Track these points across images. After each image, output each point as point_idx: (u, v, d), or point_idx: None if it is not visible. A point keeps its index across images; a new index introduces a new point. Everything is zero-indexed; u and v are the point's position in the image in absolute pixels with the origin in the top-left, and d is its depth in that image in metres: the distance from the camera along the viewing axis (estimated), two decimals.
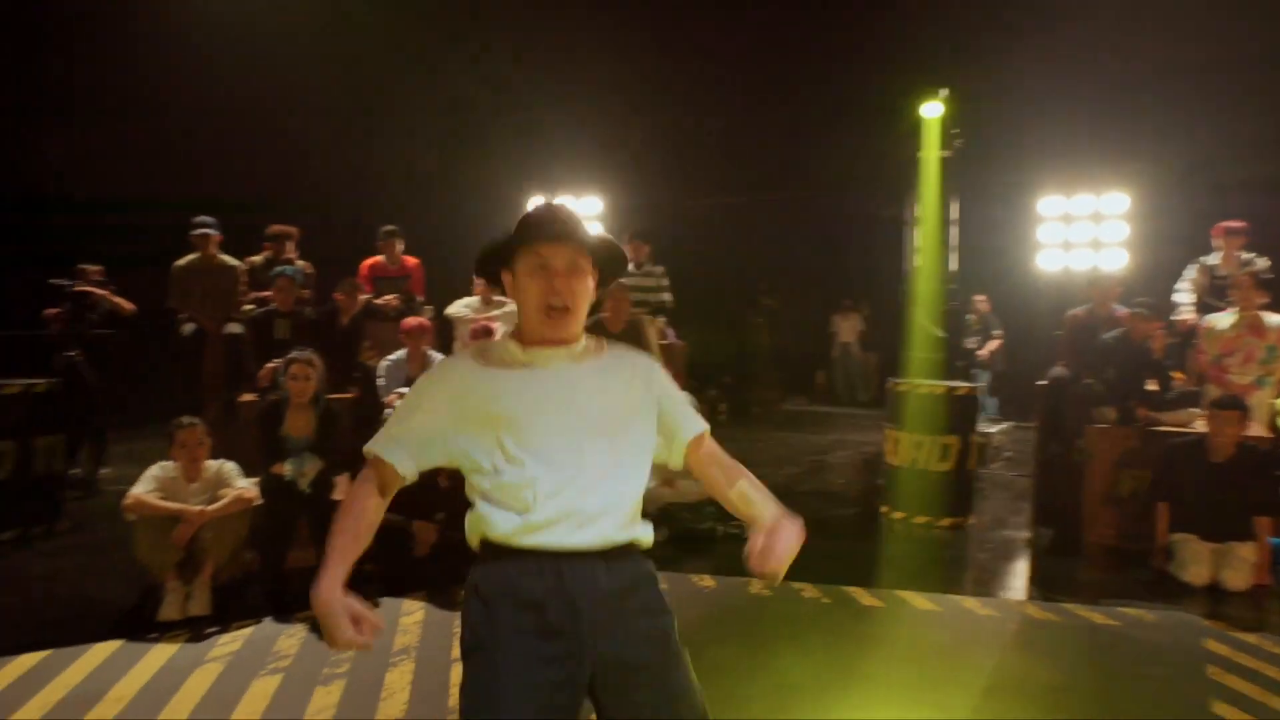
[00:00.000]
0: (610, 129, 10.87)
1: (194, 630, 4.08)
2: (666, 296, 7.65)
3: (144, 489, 4.43)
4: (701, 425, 1.99)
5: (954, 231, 7.18)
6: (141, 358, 7.00)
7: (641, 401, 1.89)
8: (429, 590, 4.61)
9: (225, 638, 4.01)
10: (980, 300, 10.28)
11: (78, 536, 5.48)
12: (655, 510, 5.73)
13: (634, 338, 6.71)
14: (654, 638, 1.80)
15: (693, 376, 12.10)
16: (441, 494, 4.98)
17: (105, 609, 4.33)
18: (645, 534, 1.90)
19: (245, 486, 4.64)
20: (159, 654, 3.82)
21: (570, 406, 1.79)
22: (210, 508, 4.43)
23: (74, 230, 7.45)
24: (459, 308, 7.61)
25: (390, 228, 7.29)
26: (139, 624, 4.11)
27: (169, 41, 7.69)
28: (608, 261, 1.86)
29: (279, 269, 6.33)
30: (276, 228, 6.89)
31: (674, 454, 1.97)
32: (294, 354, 4.97)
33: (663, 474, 5.82)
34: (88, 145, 7.75)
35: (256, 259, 6.83)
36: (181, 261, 6.58)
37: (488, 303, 7.68)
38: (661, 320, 7.56)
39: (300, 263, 7.01)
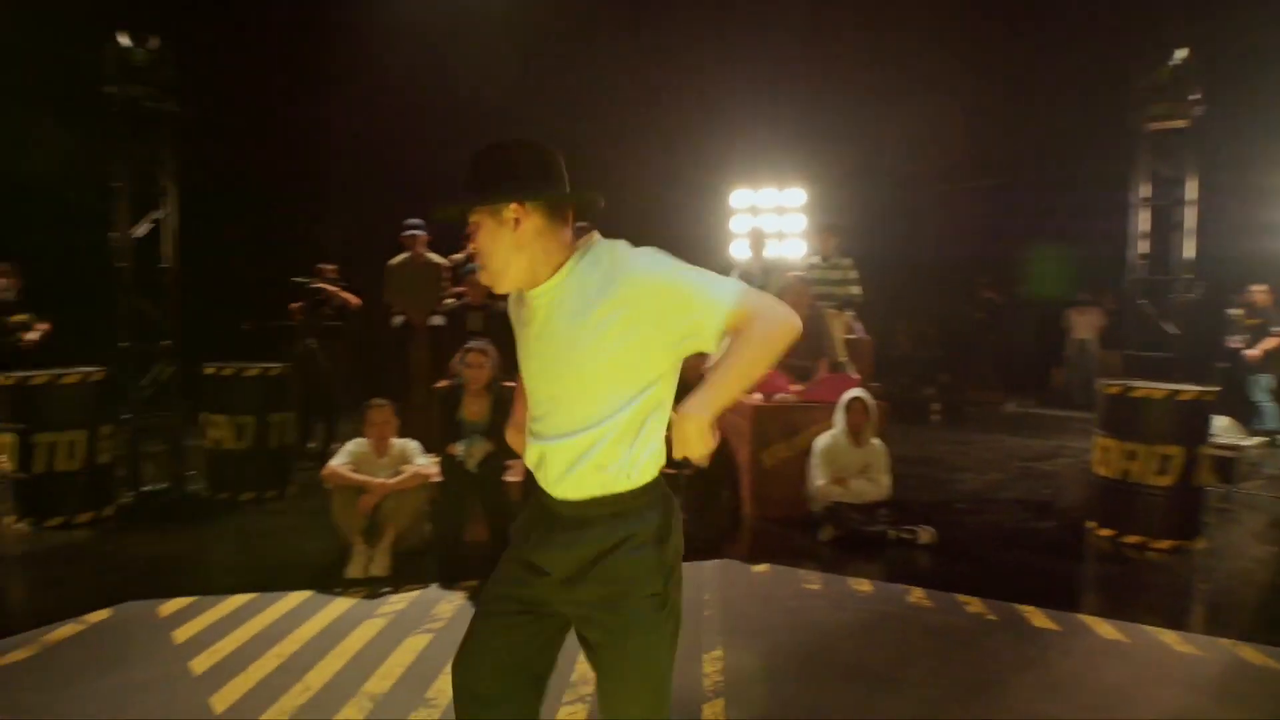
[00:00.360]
0: (815, 119, 10.61)
1: (371, 589, 4.53)
2: (854, 289, 7.36)
3: (339, 462, 4.99)
4: (728, 303, 1.71)
5: (1189, 213, 6.28)
6: (368, 346, 7.84)
7: (600, 325, 1.72)
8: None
9: (394, 598, 4.41)
10: (1259, 291, 8.87)
11: (300, 501, 6.24)
12: (822, 509, 5.56)
13: (815, 332, 6.53)
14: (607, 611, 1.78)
15: (903, 373, 11.57)
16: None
17: (305, 563, 4.91)
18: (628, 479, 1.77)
19: (425, 464, 5.08)
20: (337, 606, 4.29)
21: (540, 355, 1.83)
22: (391, 481, 4.90)
23: (303, 227, 8.38)
24: None
25: (580, 224, 7.60)
26: (329, 579, 4.63)
27: (376, 39, 8.32)
28: (527, 183, 1.75)
29: (471, 265, 6.83)
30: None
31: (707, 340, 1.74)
32: (471, 344, 5.34)
33: (834, 471, 5.63)
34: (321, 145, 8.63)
35: (459, 256, 7.40)
36: (394, 260, 7.28)
37: None
38: (849, 314, 7.28)
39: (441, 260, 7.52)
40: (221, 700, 3.31)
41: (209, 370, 6.12)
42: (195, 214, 6.07)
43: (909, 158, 10.59)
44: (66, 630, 3.94)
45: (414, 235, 7.26)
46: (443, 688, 3.43)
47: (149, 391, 6.05)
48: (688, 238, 8.69)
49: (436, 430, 5.40)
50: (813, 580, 4.77)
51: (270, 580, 4.59)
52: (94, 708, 3.22)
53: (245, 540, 5.47)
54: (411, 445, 5.19)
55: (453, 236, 7.51)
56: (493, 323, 6.77)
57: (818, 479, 5.71)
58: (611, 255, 1.77)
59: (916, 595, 4.53)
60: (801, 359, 6.46)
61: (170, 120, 5.72)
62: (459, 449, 5.09)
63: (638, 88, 9.66)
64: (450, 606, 4.30)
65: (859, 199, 10.47)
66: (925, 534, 5.43)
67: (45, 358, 6.35)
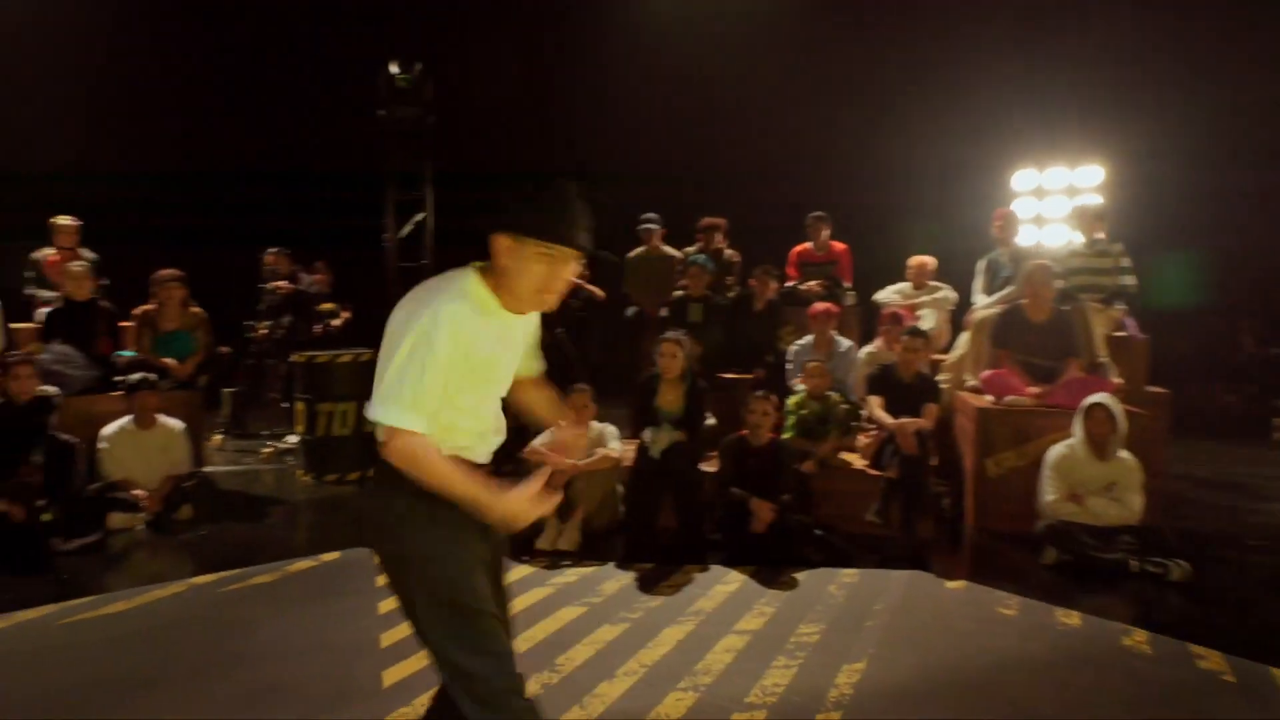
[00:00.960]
0: (1118, 91, 9.26)
1: (553, 561, 4.82)
2: (1128, 280, 6.34)
3: (540, 441, 5.36)
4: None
5: None
6: (614, 336, 8.27)
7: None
8: (758, 566, 4.70)
9: (570, 571, 4.66)
10: None
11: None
12: (1048, 528, 4.92)
13: (1061, 329, 5.78)
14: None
15: (1245, 380, 9.68)
16: (787, 477, 5.04)
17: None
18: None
19: (616, 448, 5.29)
20: (516, 572, 4.62)
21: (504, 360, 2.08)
22: (581, 462, 5.16)
23: None
24: (889, 293, 7.39)
25: (817, 213, 7.39)
26: (520, 548, 4.99)
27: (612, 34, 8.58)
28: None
29: (693, 258, 6.93)
30: (707, 220, 7.51)
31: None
32: (666, 334, 5.47)
33: (1068, 487, 4.95)
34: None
35: (691, 249, 7.55)
36: (632, 253, 7.60)
37: (920, 287, 7.32)
38: (1119, 308, 6.31)
39: (729, 252, 7.55)
40: (389, 637, 3.75)
41: None
42: (450, 215, 6.85)
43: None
44: (303, 565, 4.69)
45: (650, 229, 7.53)
46: (572, 657, 3.59)
47: None
48: (964, 225, 8.05)
49: (633, 417, 5.61)
50: (1010, 605, 4.25)
51: None
52: (292, 627, 3.82)
53: None
54: (609, 429, 5.43)
55: (686, 230, 7.70)
56: (712, 315, 6.84)
57: (1047, 494, 5.05)
58: None
59: (1136, 638, 3.85)
60: (1045, 358, 5.74)
61: (429, 134, 6.52)
62: (646, 436, 5.24)
63: (904, 66, 9.07)
64: (615, 585, 4.45)
65: (1177, 177, 8.97)
66: (1177, 570, 4.58)
67: (347, 341, 7.52)
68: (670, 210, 7.75)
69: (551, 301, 2.01)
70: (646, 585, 4.46)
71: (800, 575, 4.60)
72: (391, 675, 3.41)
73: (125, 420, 5.33)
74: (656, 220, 7.53)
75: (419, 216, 6.80)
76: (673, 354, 5.32)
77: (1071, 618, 4.10)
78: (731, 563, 4.76)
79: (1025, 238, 7.68)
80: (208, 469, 6.39)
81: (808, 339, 6.47)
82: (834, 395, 5.75)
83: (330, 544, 5.04)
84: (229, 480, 6.49)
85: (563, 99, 8.32)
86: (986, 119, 9.35)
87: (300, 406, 6.52)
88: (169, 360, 5.67)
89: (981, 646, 3.77)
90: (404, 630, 3.79)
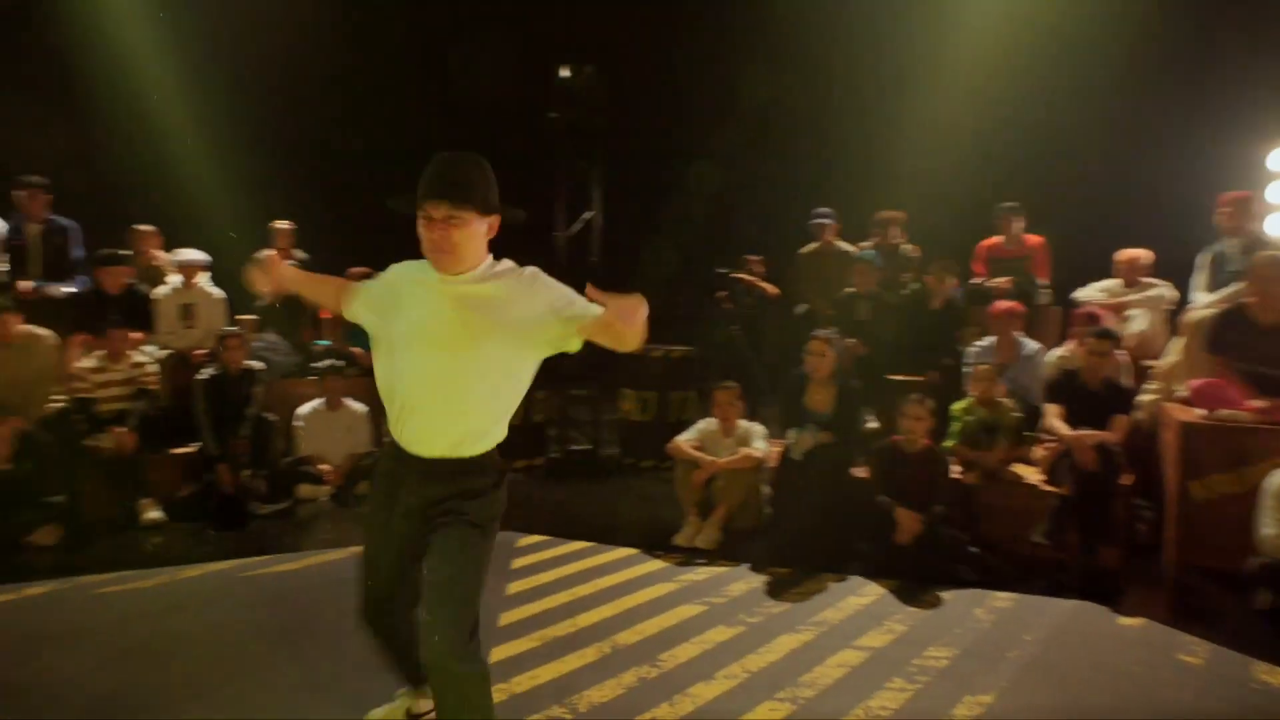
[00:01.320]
0: None
1: (687, 558, 4.77)
2: None
3: (685, 437, 5.33)
4: (593, 310, 2.18)
5: None
6: (787, 334, 8.06)
7: (512, 323, 2.22)
8: (900, 581, 4.39)
9: (701, 570, 4.59)
10: None
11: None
12: (1263, 566, 4.20)
13: None
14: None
15: None
16: (942, 487, 4.68)
17: (652, 525, 5.32)
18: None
19: (760, 448, 5.14)
20: (647, 566, 4.63)
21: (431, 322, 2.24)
22: (721, 460, 5.07)
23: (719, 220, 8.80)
24: (1092, 291, 6.64)
25: (1009, 204, 6.78)
26: (657, 542, 4.99)
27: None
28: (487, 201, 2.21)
29: (861, 253, 6.59)
30: (884, 213, 7.12)
31: (570, 339, 2.25)
32: (815, 332, 5.24)
33: None
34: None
35: (867, 244, 7.19)
36: (805, 249, 7.37)
37: (1131, 284, 6.51)
38: None
39: (907, 246, 7.11)
40: (508, 617, 3.88)
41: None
42: (619, 214, 6.99)
43: None
44: None
45: (823, 224, 7.27)
46: (676, 655, 3.53)
47: (575, 365, 7.14)
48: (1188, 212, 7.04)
49: (779, 416, 5.43)
50: (1196, 651, 3.67)
51: (612, 534, 5.13)
52: None
53: (625, 499, 6.14)
54: (755, 428, 5.30)
55: (861, 226, 7.35)
56: (882, 313, 6.48)
57: (1267, 527, 4.30)
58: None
59: None
60: (1272, 367, 4.89)
61: (598, 135, 6.68)
62: (790, 436, 5.05)
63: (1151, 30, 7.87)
64: (743, 587, 4.33)
65: None
66: None
67: None
68: (847, 204, 7.43)
69: (443, 261, 2.22)
70: (775, 590, 4.30)
71: (945, 594, 4.24)
72: (500, 652, 3.52)
73: (318, 402, 5.91)
74: (830, 215, 7.25)
75: (588, 215, 6.99)
76: (820, 353, 5.10)
77: (1271, 675, 3.47)
78: (872, 574, 4.49)
79: (1270, 226, 6.57)
80: None
81: (989, 340, 5.96)
82: (1005, 402, 5.24)
83: None
84: None
85: (731, 94, 8.20)
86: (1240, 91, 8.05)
87: None
88: (358, 349, 6.22)
89: (1146, 695, 3.28)
90: (524, 612, 3.93)
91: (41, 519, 4.74)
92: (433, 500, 2.30)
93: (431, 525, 2.32)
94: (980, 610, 4.07)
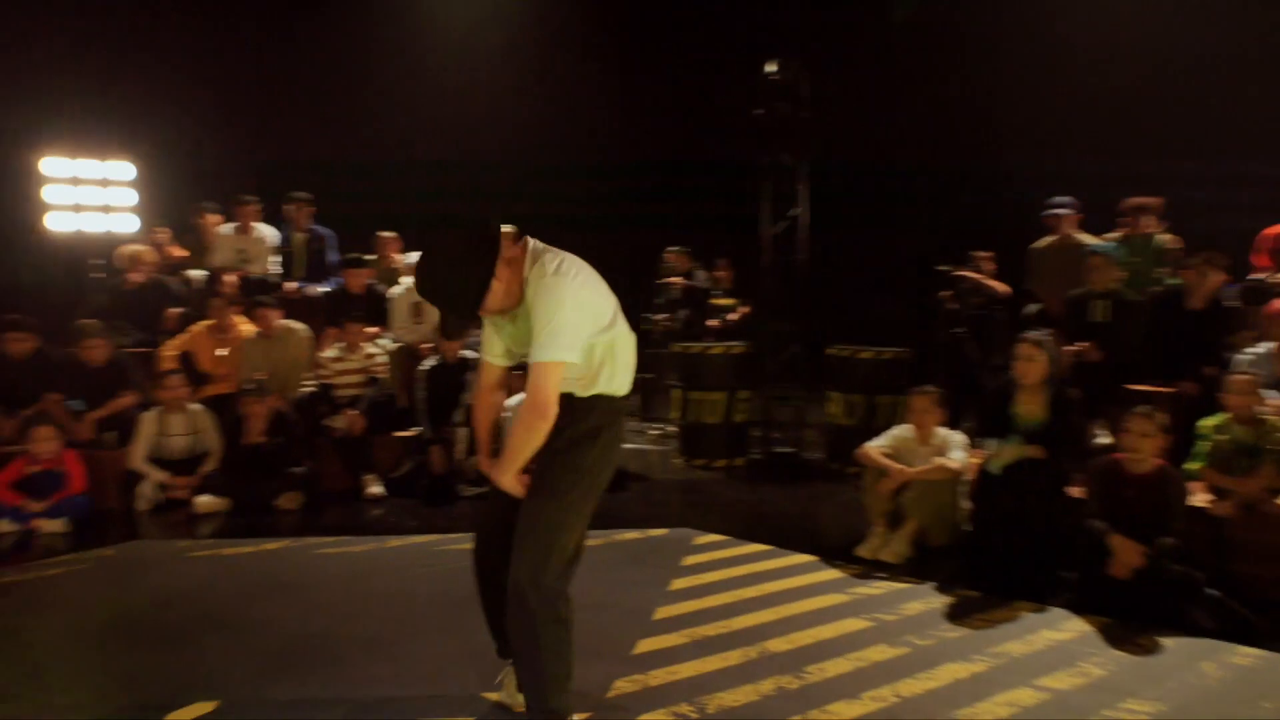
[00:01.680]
0: None
1: (867, 570, 4.48)
2: None
3: (877, 443, 5.01)
4: (540, 356, 2.40)
5: None
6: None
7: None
8: (1117, 618, 3.82)
9: (878, 585, 4.28)
10: None
11: None
12: None
13: None
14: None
15: None
16: (1175, 515, 4.03)
17: (841, 532, 5.07)
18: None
19: (956, 458, 4.72)
20: (821, 575, 4.40)
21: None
22: (910, 469, 4.71)
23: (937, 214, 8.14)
24: None
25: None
26: (840, 551, 4.73)
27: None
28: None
29: (1095, 246, 5.80)
30: (1134, 200, 6.22)
31: None
32: (1025, 334, 4.71)
33: None
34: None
35: (1114, 236, 6.34)
36: (1038, 243, 6.64)
37: None
38: None
39: (1164, 236, 6.17)
40: (664, 611, 3.87)
41: (831, 351, 6.72)
42: (826, 211, 6.72)
43: None
44: (630, 535, 5.04)
45: (1060, 215, 6.50)
46: (825, 669, 3.33)
47: (779, 367, 6.97)
48: None
49: (978, 425, 4.93)
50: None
51: (795, 539, 4.94)
52: (588, 585, 4.12)
53: (821, 505, 5.89)
54: (955, 437, 4.87)
55: (1108, 215, 6.48)
56: (1123, 314, 5.68)
57: None
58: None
59: None
60: None
61: (804, 130, 6.47)
62: (990, 448, 4.57)
63: None
64: (920, 607, 3.98)
65: None
66: None
67: (742, 335, 7.82)
68: (1091, 191, 6.60)
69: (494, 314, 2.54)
70: (956, 614, 3.92)
71: (1166, 641, 3.62)
72: (646, 645, 3.51)
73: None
74: (1070, 204, 6.47)
75: (793, 212, 6.80)
76: (1030, 356, 4.58)
77: None
78: (1079, 608, 3.94)
79: None
80: None
81: (1265, 347, 5.04)
82: (1273, 420, 4.39)
83: (664, 521, 5.34)
84: None
85: (942, 89, 7.61)
86: None
87: (676, 394, 6.99)
88: None
89: None
90: (681, 608, 3.90)
91: (287, 486, 5.46)
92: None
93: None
94: (1209, 665, 3.43)
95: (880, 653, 3.48)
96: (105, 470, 5.33)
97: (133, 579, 4.38)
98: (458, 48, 9.11)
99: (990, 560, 4.48)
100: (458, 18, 9.27)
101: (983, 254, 7.54)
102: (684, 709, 3.00)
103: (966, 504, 4.85)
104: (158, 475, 5.35)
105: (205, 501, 5.33)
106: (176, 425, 5.47)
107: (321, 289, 6.92)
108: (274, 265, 7.02)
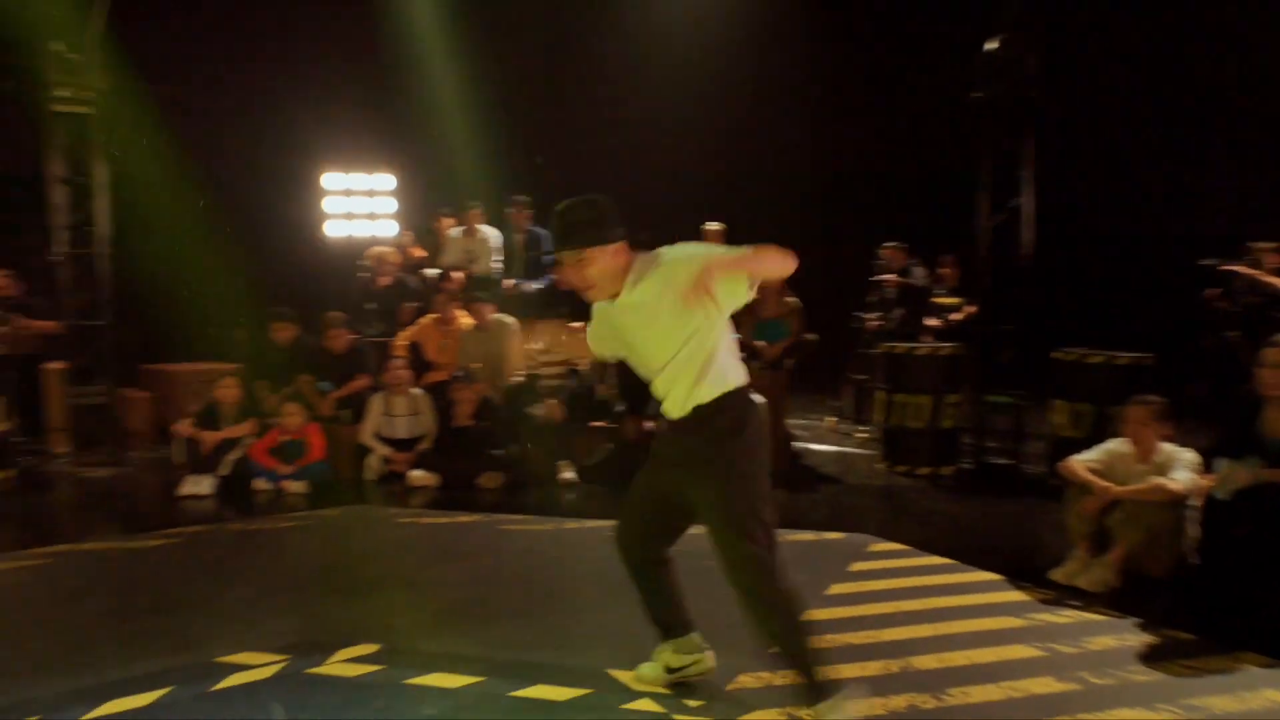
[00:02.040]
0: None
1: (1057, 596, 4.00)
2: None
3: (1085, 456, 4.46)
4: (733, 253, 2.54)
5: None
6: None
7: (667, 307, 2.58)
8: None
9: (1066, 613, 3.80)
10: None
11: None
12: None
13: None
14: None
15: None
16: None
17: (1042, 554, 4.56)
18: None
19: (1181, 479, 4.08)
20: (1003, 595, 4.02)
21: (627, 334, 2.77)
22: (1117, 488, 4.15)
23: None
24: None
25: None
26: (1031, 573, 4.27)
27: None
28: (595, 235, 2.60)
29: None
30: None
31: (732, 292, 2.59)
32: (1274, 338, 3.96)
33: None
34: None
35: None
36: None
37: None
38: None
39: None
40: (813, 616, 3.71)
41: (1057, 354, 6.06)
42: (1054, 200, 6.05)
43: None
44: (803, 536, 4.91)
45: None
46: (970, 694, 3.05)
47: (996, 370, 6.39)
48: None
49: (1216, 443, 4.21)
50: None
51: (984, 556, 4.54)
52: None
53: (1030, 522, 5.35)
54: (1185, 455, 4.21)
55: None
56: None
57: None
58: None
59: None
60: None
61: (1029, 113, 5.87)
62: (1221, 468, 3.90)
63: None
64: (1111, 642, 3.50)
65: None
66: None
67: (965, 336, 7.27)
68: None
69: (591, 294, 2.72)
70: (1154, 655, 3.40)
71: None
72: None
73: None
74: None
75: (1015, 202, 6.20)
76: (1277, 363, 3.84)
77: None
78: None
79: None
80: (802, 444, 7.07)
81: None
82: None
83: (844, 525, 5.13)
84: (815, 456, 7.02)
85: (1192, 50, 6.51)
86: None
87: (880, 396, 6.65)
88: (759, 343, 6.43)
89: None
90: (832, 614, 3.77)
91: (489, 467, 5.91)
92: (688, 450, 2.71)
93: (691, 474, 2.73)
94: None
95: (1043, 685, 3.12)
96: (341, 443, 6.11)
97: (348, 537, 5.00)
98: (680, 59, 9.33)
99: (1216, 599, 3.83)
100: (677, 33, 9.50)
101: (1264, 245, 6.49)
102: (799, 711, 2.88)
103: (1196, 532, 4.19)
104: (382, 450, 6.04)
105: (418, 476, 5.93)
106: (400, 407, 6.13)
107: (535, 286, 7.41)
108: (496, 264, 7.62)
